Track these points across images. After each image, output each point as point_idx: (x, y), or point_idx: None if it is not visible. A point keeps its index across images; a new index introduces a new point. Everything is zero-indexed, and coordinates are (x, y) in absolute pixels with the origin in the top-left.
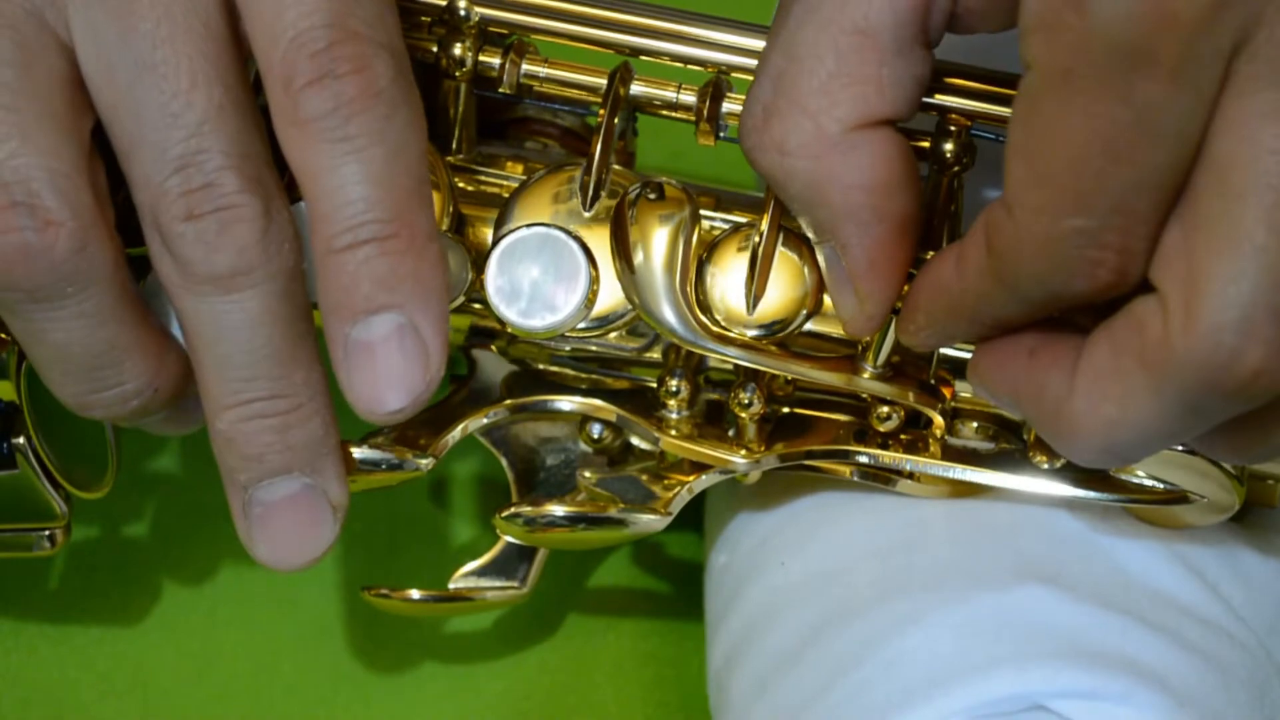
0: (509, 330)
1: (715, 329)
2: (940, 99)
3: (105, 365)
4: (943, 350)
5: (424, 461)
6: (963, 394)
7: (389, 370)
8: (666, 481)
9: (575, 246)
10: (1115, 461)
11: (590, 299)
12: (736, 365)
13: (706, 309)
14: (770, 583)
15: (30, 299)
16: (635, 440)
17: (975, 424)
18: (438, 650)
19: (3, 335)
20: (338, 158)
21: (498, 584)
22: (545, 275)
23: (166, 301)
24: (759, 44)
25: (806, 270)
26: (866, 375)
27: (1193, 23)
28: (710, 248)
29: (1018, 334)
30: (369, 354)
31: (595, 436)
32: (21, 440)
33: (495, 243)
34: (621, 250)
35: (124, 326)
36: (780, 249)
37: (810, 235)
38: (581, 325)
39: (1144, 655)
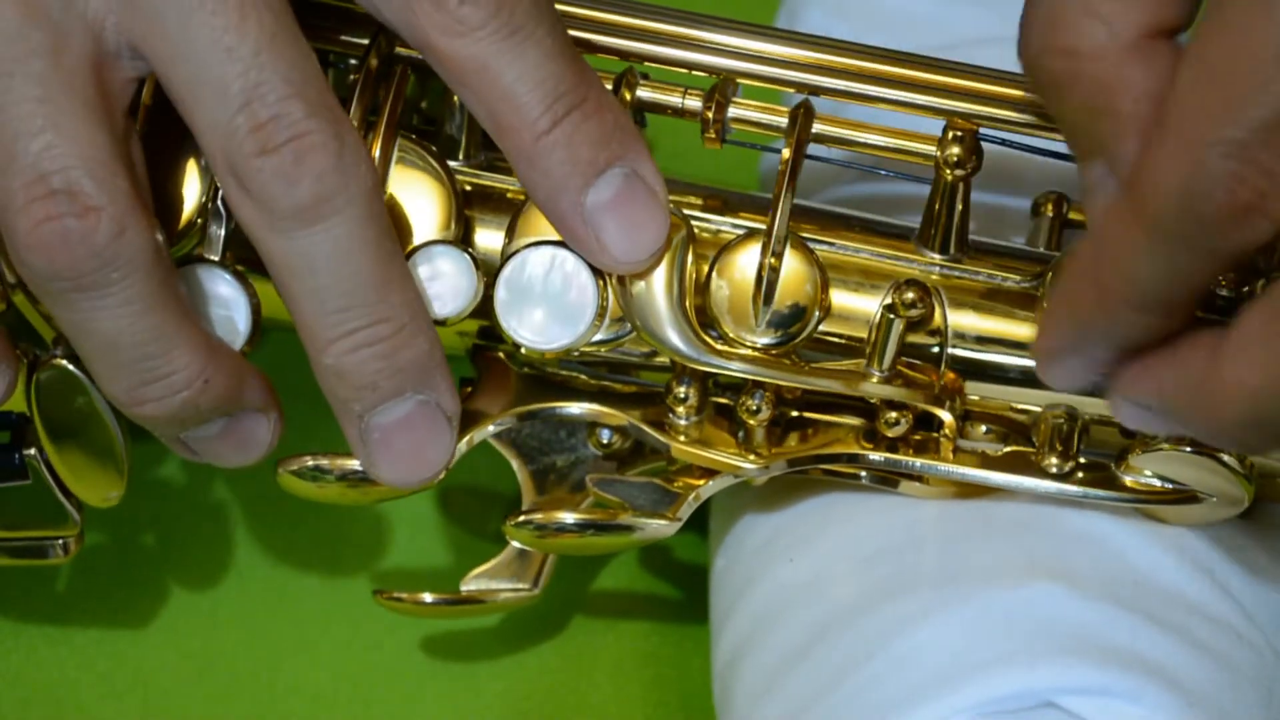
0: (520, 350)
1: (721, 345)
2: (947, 103)
3: (153, 355)
4: (950, 350)
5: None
6: (971, 395)
7: (636, 217)
8: (675, 485)
9: (584, 265)
10: (1263, 438)
11: (599, 316)
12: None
13: (714, 322)
14: (778, 579)
15: (76, 287)
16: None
17: (984, 426)
18: (438, 650)
19: (16, 350)
20: (514, 50)
21: (509, 586)
22: (554, 294)
23: (204, 300)
24: (765, 47)
25: (815, 274)
26: (875, 380)
27: None
28: (716, 257)
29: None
30: (611, 211)
31: (605, 441)
32: (33, 451)
33: (503, 262)
34: (620, 278)
35: (169, 314)
36: (789, 254)
37: (1077, 154)
38: (593, 339)
39: (1154, 653)
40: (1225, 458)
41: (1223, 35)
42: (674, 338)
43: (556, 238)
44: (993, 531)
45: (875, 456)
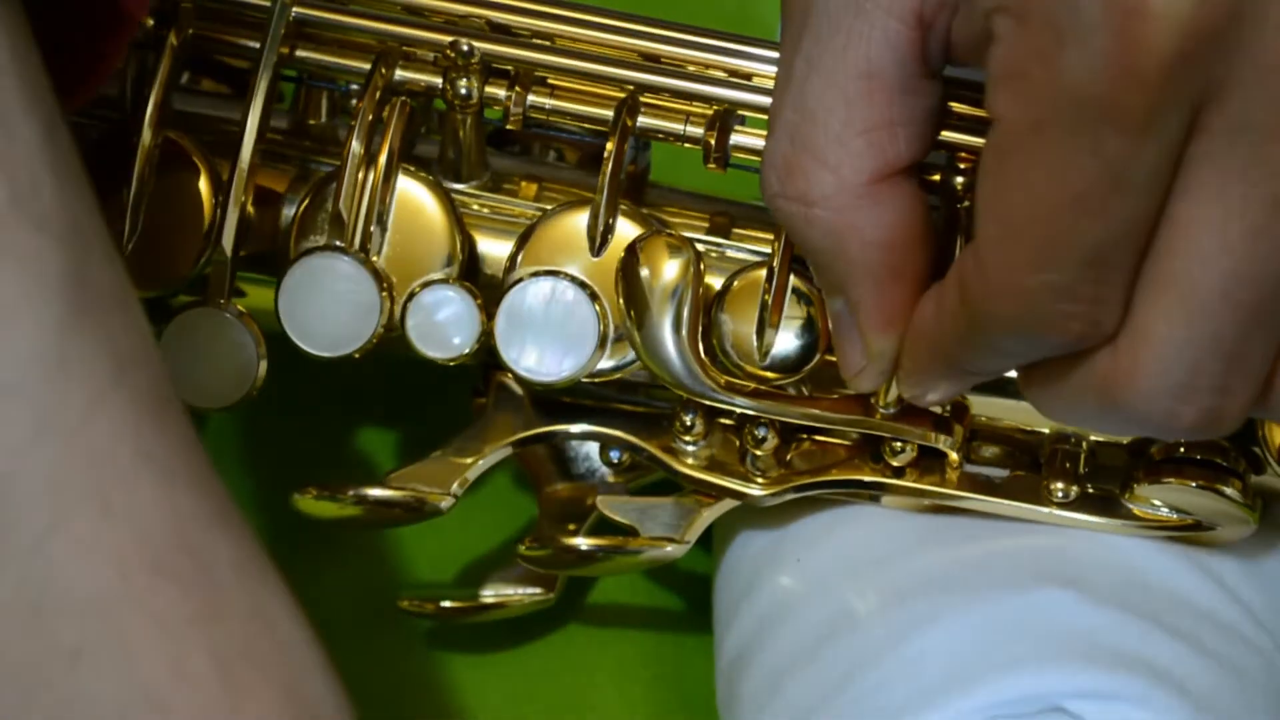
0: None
1: (724, 378)
2: (950, 136)
3: None
4: None
5: (444, 503)
6: (979, 417)
7: None
8: (684, 503)
9: (584, 295)
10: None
11: (600, 347)
12: None
13: (721, 353)
14: (784, 580)
15: None
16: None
17: (990, 450)
18: (437, 651)
19: None
20: None
21: (526, 592)
22: (554, 325)
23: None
24: (769, 69)
25: (820, 306)
26: (879, 415)
27: (1157, 76)
28: (722, 288)
29: None
30: None
31: (615, 460)
32: None
33: (504, 293)
34: (626, 305)
35: None
36: (793, 285)
37: (822, 289)
38: (595, 369)
39: (1163, 658)
40: (1228, 490)
41: (1015, 189)
42: (678, 370)
43: (556, 267)
44: (1003, 537)
45: (882, 482)
